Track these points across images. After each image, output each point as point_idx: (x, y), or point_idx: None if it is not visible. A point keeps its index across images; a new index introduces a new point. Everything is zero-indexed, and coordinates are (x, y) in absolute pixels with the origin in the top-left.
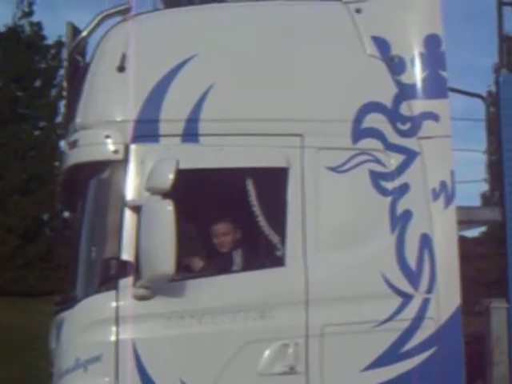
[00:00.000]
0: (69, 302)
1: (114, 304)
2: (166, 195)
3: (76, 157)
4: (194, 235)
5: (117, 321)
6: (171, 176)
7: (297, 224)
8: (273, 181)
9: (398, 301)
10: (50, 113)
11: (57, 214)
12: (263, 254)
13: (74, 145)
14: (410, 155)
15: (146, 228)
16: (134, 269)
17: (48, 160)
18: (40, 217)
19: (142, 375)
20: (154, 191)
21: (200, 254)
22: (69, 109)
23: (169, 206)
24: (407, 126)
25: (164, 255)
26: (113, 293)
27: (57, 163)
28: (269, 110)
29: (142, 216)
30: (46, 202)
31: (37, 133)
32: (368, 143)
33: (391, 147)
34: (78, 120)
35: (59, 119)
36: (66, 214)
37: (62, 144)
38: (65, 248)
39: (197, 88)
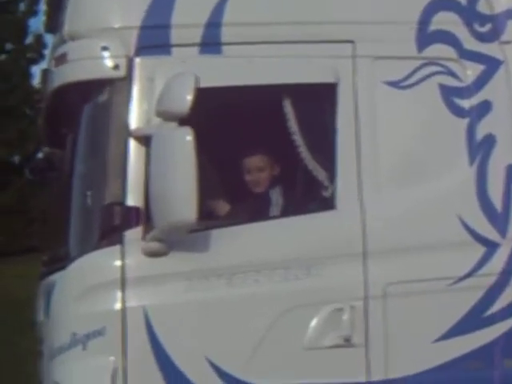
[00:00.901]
0: (60, 261)
1: (118, 262)
2: (182, 121)
3: (64, 75)
4: (218, 172)
5: (123, 284)
6: (189, 96)
7: (350, 155)
8: (318, 101)
9: (480, 251)
10: (18, 32)
11: (36, 151)
12: (308, 194)
13: (61, 60)
14: (492, 64)
15: (158, 164)
16: (143, 217)
17: (16, 90)
18: (9, 160)
19: (157, 352)
20: (167, 116)
21: (227, 195)
22: (51, 14)
23: (187, 135)
24: (487, 27)
25: (183, 198)
26: (117, 248)
27: (39, 85)
28: (309, 9)
29: (153, 148)
30: (17, 143)
31: (1, 57)
32: (438, 50)
33: (467, 55)
34: (66, 27)
35: (30, 39)
36: (50, 151)
37: (47, 61)
38: (50, 194)
39: None
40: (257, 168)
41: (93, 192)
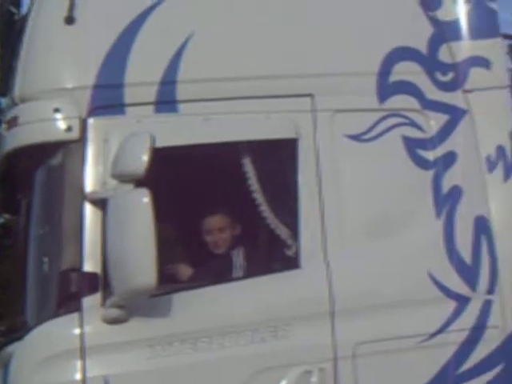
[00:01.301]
0: (17, 330)
1: (77, 331)
2: (139, 183)
3: (16, 139)
4: (178, 234)
5: (83, 353)
6: (145, 157)
7: (313, 212)
8: (278, 157)
9: (451, 306)
10: None
11: None
12: (271, 253)
13: (12, 123)
14: (455, 114)
15: (114, 227)
16: (101, 283)
17: None
18: None
19: None
20: (123, 178)
21: (187, 258)
22: (3, 77)
23: (145, 197)
24: (449, 76)
25: (143, 262)
26: (75, 316)
27: None
28: (267, 63)
29: (110, 212)
30: None
31: None
32: (399, 101)
33: (430, 105)
34: (17, 89)
35: None
36: (5, 217)
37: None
38: (6, 261)
39: (171, 40)
40: (217, 228)
41: (49, 259)
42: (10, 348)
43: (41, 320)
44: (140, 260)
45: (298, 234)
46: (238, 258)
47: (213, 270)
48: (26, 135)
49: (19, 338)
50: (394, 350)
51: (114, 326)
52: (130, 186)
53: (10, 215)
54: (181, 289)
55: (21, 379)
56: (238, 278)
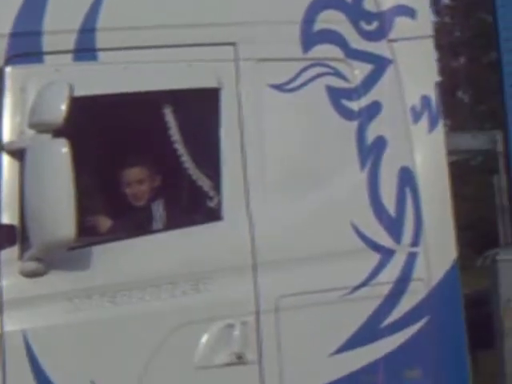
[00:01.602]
0: None
1: None
2: (57, 132)
3: None
4: (97, 185)
5: (0, 307)
6: (63, 106)
7: (234, 163)
8: (200, 107)
9: (374, 258)
10: None
11: None
12: (192, 205)
13: None
14: (380, 64)
15: (32, 178)
16: (19, 235)
17: None
18: None
19: (40, 379)
20: (40, 128)
21: (106, 209)
22: None
23: (63, 147)
24: (374, 25)
25: (61, 213)
26: None
27: None
28: (189, 11)
29: (27, 162)
30: None
31: None
32: (323, 51)
33: (354, 54)
34: None
35: None
36: None
37: None
38: None
39: None
40: (136, 180)
41: None
42: None
43: None
44: (58, 211)
45: (220, 185)
46: (158, 210)
47: (132, 222)
48: None
49: None
50: (317, 303)
51: (31, 279)
52: (47, 136)
53: None
54: (100, 241)
55: None
56: (158, 230)
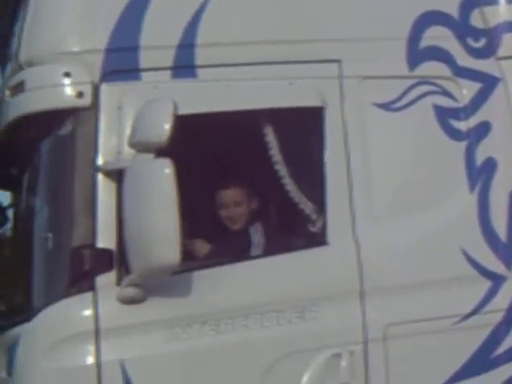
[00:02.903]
0: (21, 312)
1: (90, 311)
2: (159, 152)
3: (22, 105)
4: (191, 207)
5: (97, 335)
6: (168, 125)
7: (340, 185)
8: (302, 126)
9: (485, 285)
10: None
11: None
12: (294, 229)
13: (18, 89)
14: (488, 82)
15: (134, 200)
16: (116, 260)
17: None
18: None
19: None
20: (143, 147)
21: (202, 233)
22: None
23: (167, 168)
24: (481, 42)
25: (165, 237)
26: (88, 295)
27: None
28: (291, 26)
29: (128, 183)
30: None
31: None
32: (430, 68)
33: (462, 72)
34: (23, 53)
35: None
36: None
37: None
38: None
39: (190, 0)
40: (234, 202)
41: (59, 235)
42: (15, 331)
43: (50, 300)
44: (163, 235)
45: (325, 208)
46: (256, 234)
47: (230, 246)
48: (33, 101)
49: (25, 321)
50: (426, 331)
51: (130, 306)
52: (149, 156)
53: (7, 191)
54: (200, 267)
55: (29, 364)
56: (262, 255)
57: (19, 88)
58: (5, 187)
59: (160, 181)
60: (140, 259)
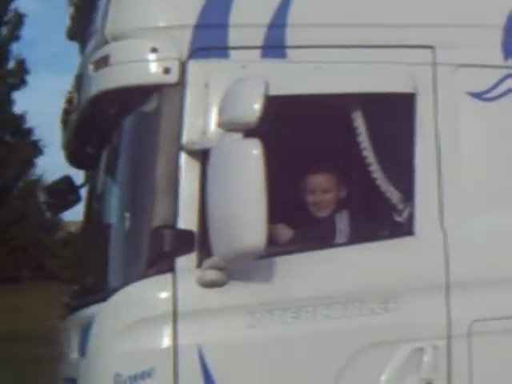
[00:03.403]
0: (96, 292)
1: (169, 293)
2: (248, 133)
3: (106, 80)
4: (276, 191)
5: (175, 318)
6: (259, 105)
7: (429, 175)
8: (393, 113)
9: None
10: None
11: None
12: (380, 218)
13: (102, 63)
14: None
15: (220, 181)
16: (197, 241)
17: None
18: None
19: None
20: (231, 127)
21: (287, 218)
22: (80, 18)
23: (256, 148)
24: None
25: (253, 219)
26: (167, 277)
27: (68, 94)
28: (385, 10)
29: (213, 163)
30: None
31: None
32: None
33: None
34: (110, 26)
35: (11, 64)
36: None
37: (79, 68)
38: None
39: None
40: (322, 189)
41: (139, 214)
42: (89, 311)
43: (128, 281)
44: (250, 217)
45: (413, 197)
46: (342, 221)
47: (314, 233)
48: (117, 76)
49: (101, 300)
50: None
51: (210, 289)
52: (238, 136)
53: (81, 169)
54: (284, 252)
55: (104, 345)
56: (345, 244)
57: (103, 62)
58: (79, 165)
59: (248, 161)
60: (224, 242)
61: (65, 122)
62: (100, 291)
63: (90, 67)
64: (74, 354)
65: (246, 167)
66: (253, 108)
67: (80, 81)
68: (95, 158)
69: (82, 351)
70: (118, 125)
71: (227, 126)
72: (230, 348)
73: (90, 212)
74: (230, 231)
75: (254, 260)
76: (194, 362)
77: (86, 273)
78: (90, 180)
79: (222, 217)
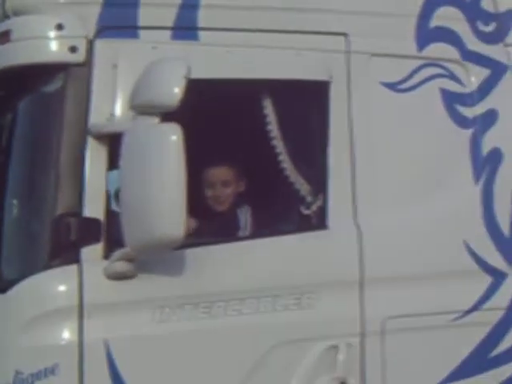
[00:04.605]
0: None
1: (74, 285)
2: (165, 117)
3: (6, 57)
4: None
5: (80, 312)
6: (180, 88)
7: (342, 166)
8: (305, 101)
9: (486, 281)
10: None
11: None
12: (291, 211)
13: (2, 39)
14: (497, 69)
15: (134, 168)
16: (104, 231)
17: None
18: None
19: None
20: (148, 110)
21: (192, 210)
22: None
23: (174, 134)
24: (491, 27)
25: (171, 209)
26: (72, 268)
27: None
28: None
29: (126, 148)
30: None
31: None
32: (439, 50)
33: (470, 56)
34: (9, 0)
35: None
36: None
37: None
38: None
39: None
40: (221, 182)
41: (41, 202)
42: None
43: (29, 271)
44: (167, 206)
45: (326, 190)
46: (244, 215)
47: (217, 228)
48: (19, 53)
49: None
50: (425, 327)
51: (118, 282)
52: (154, 120)
53: None
54: (194, 244)
55: (4, 339)
56: (256, 237)
57: (3, 38)
58: None
59: (168, 147)
60: (139, 232)
61: None
62: None
63: None
64: None
65: (166, 153)
66: (173, 91)
67: None
68: None
69: None
70: (19, 106)
71: (142, 109)
72: (138, 344)
73: None
74: (145, 221)
75: (171, 251)
76: (101, 358)
77: None
78: None
79: (137, 205)
